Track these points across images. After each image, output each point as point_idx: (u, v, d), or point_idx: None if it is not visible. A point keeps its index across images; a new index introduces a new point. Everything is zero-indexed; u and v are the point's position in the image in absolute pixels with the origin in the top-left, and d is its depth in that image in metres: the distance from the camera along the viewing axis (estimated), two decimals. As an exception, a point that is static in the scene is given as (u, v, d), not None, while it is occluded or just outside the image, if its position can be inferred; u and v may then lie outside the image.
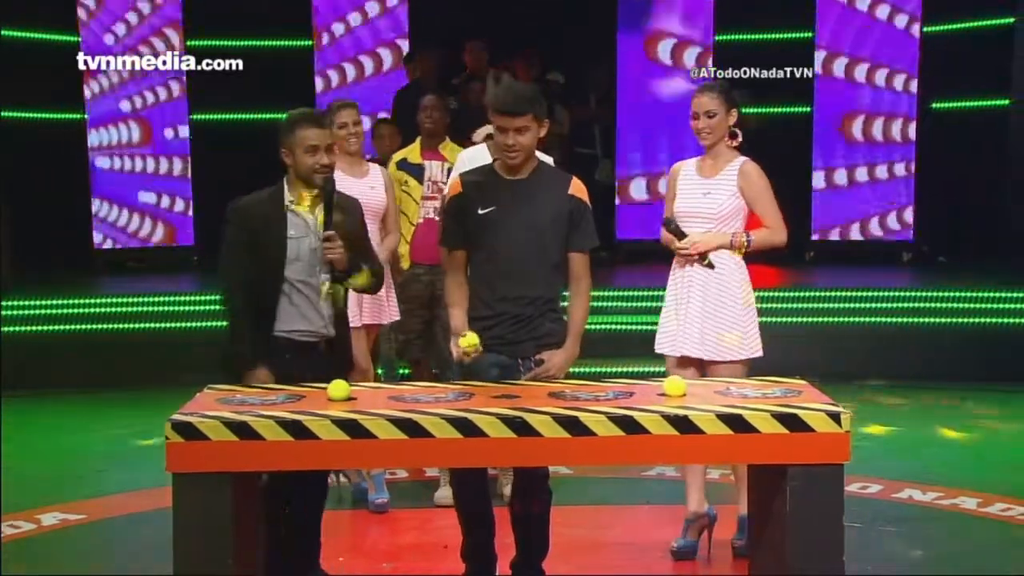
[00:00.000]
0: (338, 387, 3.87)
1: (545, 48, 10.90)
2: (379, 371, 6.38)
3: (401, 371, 6.87)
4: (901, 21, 11.01)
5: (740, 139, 4.87)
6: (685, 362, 4.86)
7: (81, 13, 10.88)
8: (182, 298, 9.04)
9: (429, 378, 6.14)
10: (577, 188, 4.33)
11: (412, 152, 6.42)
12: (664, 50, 11.22)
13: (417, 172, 6.30)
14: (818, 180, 11.15)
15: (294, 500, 4.54)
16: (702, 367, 4.83)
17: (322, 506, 4.62)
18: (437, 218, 5.71)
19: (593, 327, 8.72)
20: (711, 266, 4.75)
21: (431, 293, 6.08)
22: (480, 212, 4.26)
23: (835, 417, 3.61)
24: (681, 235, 4.78)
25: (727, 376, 4.62)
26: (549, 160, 4.63)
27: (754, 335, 4.83)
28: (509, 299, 4.27)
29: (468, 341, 4.16)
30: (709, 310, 4.77)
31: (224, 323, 4.47)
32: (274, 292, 4.33)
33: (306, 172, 4.31)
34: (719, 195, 4.80)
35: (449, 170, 6.00)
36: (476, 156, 5.52)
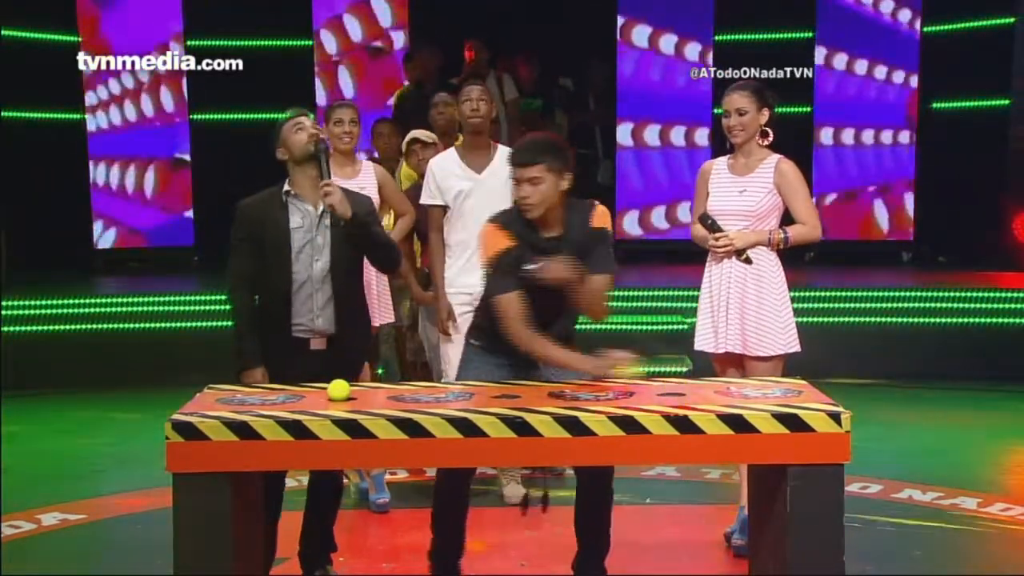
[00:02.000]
0: (338, 387, 3.87)
1: (545, 48, 10.91)
2: (379, 371, 6.37)
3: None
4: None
5: (771, 138, 4.89)
6: (726, 360, 4.89)
7: (81, 13, 10.88)
8: (182, 298, 9.04)
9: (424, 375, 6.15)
10: (599, 218, 4.22)
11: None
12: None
13: None
14: (818, 179, 11.18)
15: (308, 500, 4.59)
16: (741, 363, 4.87)
17: (336, 506, 4.68)
18: None
19: (593, 327, 8.81)
20: (748, 261, 4.78)
21: None
22: (527, 268, 4.12)
23: (835, 417, 3.61)
24: (717, 230, 4.80)
25: (765, 372, 4.68)
26: None
27: (791, 331, 4.85)
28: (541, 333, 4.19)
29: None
30: (748, 307, 4.81)
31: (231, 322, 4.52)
32: (284, 285, 4.35)
33: (299, 148, 4.40)
34: (755, 193, 4.83)
35: None
36: (444, 163, 5.55)
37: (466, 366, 4.40)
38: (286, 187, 4.44)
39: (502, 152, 5.45)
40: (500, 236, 4.18)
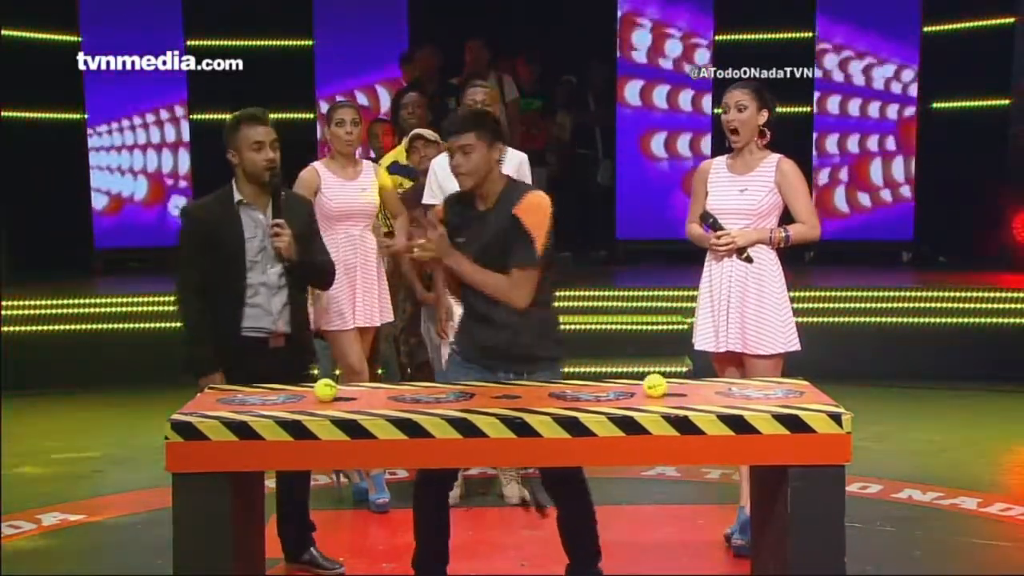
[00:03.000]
0: (323, 388, 3.86)
1: (545, 48, 10.91)
2: (380, 371, 6.37)
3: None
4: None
5: (769, 138, 4.88)
6: (725, 359, 4.89)
7: (81, 13, 10.88)
8: (182, 298, 9.04)
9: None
10: (523, 208, 4.16)
11: (401, 154, 6.40)
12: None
13: (411, 173, 6.29)
14: (819, 180, 11.19)
15: (278, 485, 4.69)
16: (741, 362, 4.87)
17: (307, 489, 4.79)
18: None
19: (593, 327, 8.83)
20: (749, 260, 4.77)
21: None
22: (456, 240, 4.23)
23: (836, 418, 3.61)
24: (719, 228, 4.80)
25: (766, 370, 4.69)
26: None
27: (791, 329, 4.86)
28: (480, 320, 4.27)
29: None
30: (748, 305, 4.81)
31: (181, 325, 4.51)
32: (237, 292, 4.38)
33: (254, 169, 4.39)
34: (756, 192, 4.82)
35: None
36: (447, 162, 5.53)
37: (444, 373, 4.47)
38: (237, 196, 4.43)
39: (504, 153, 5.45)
40: (439, 209, 4.40)
